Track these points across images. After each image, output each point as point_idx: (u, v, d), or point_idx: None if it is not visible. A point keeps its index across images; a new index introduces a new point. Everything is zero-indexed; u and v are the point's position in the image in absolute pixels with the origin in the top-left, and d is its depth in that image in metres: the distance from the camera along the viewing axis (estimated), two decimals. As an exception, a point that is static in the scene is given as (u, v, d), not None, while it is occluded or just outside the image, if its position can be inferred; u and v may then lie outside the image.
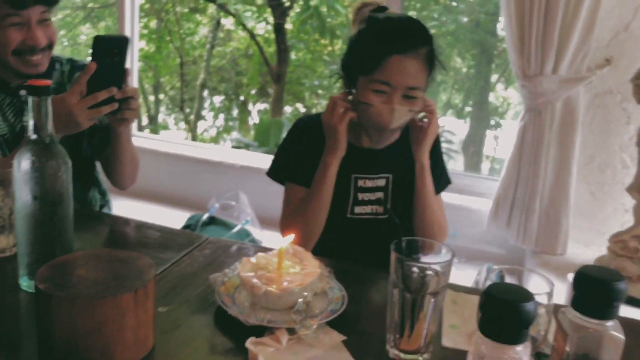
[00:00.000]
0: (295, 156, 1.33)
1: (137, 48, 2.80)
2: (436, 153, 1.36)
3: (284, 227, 1.32)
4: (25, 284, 0.92)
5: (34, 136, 0.87)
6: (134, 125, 2.90)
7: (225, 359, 0.82)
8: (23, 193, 0.87)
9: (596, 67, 1.86)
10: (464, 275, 2.05)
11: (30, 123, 0.86)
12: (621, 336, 0.69)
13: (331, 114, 1.23)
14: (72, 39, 5.48)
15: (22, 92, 1.38)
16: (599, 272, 0.71)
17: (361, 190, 1.32)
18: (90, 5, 5.25)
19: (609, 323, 0.69)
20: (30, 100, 0.85)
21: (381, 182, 1.33)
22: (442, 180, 1.40)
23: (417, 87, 1.19)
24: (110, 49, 1.19)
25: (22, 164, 0.87)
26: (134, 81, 2.80)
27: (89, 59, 1.19)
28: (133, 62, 2.78)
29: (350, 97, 1.27)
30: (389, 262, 0.81)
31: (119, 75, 1.21)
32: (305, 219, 1.27)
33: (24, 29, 1.27)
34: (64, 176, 0.89)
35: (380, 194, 1.32)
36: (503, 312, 0.61)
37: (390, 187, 1.33)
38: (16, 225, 0.91)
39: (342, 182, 1.30)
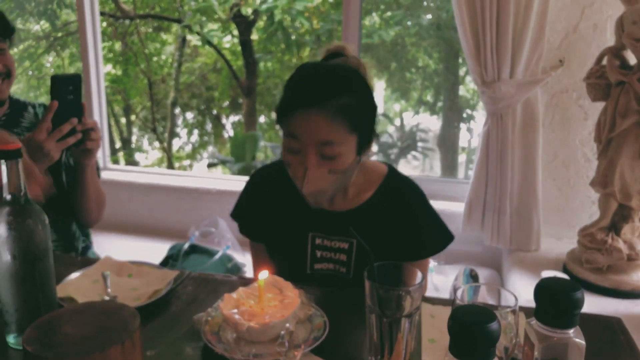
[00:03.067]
0: (250, 211, 1.33)
1: (102, 72, 2.81)
2: (424, 211, 1.25)
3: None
4: (13, 341, 0.93)
5: (9, 197, 0.89)
6: (107, 158, 2.90)
7: (215, 397, 0.84)
8: (2, 253, 0.89)
9: (550, 69, 1.92)
10: (444, 279, 2.10)
11: (5, 185, 0.88)
12: (582, 342, 0.74)
13: None
14: (37, 69, 5.43)
15: None
16: (557, 284, 0.76)
17: (319, 248, 1.25)
18: (52, 34, 5.21)
19: (571, 331, 0.74)
20: (3, 164, 0.87)
21: (343, 245, 1.23)
22: (441, 238, 1.25)
23: (330, 141, 1.06)
24: (67, 86, 1.32)
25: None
26: (102, 106, 2.82)
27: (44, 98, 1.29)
28: (100, 87, 2.79)
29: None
30: None
31: (78, 108, 1.35)
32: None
33: None
34: (41, 234, 0.91)
35: (343, 256, 1.23)
36: (470, 334, 0.65)
37: (355, 252, 1.22)
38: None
39: (299, 240, 1.25)
